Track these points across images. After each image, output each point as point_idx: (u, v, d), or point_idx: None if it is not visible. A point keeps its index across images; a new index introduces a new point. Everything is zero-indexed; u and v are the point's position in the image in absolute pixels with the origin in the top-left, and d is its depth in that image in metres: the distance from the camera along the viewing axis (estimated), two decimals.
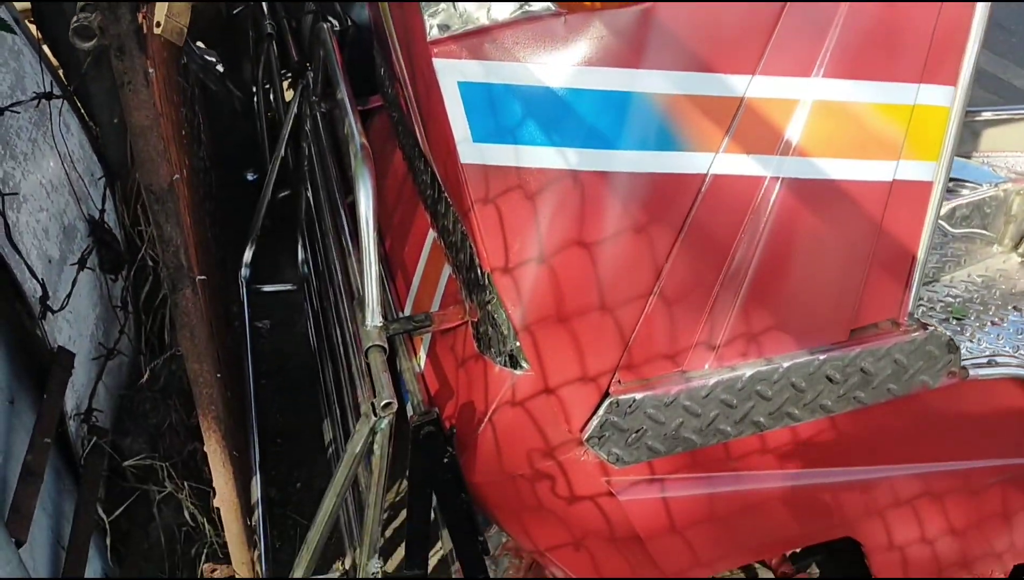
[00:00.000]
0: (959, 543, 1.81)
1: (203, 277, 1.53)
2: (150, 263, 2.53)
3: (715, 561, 1.63)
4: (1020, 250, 3.01)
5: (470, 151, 1.27)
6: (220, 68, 2.40)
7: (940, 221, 2.85)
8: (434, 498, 1.39)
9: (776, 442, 1.51)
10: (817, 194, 1.31)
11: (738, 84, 1.24)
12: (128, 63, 1.18)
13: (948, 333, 1.47)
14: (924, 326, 1.45)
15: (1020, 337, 2.67)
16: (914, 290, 1.43)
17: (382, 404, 1.24)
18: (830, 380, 1.43)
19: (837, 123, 1.29)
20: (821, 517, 1.63)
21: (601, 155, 1.24)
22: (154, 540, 2.16)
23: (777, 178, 1.29)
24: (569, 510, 1.47)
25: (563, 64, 1.23)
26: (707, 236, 1.29)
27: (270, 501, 2.51)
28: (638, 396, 1.35)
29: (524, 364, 1.33)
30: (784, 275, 1.33)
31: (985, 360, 1.59)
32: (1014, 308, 2.81)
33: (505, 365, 1.35)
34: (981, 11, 1.31)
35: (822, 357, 1.41)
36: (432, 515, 1.43)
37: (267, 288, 2.62)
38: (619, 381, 1.34)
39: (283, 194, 3.04)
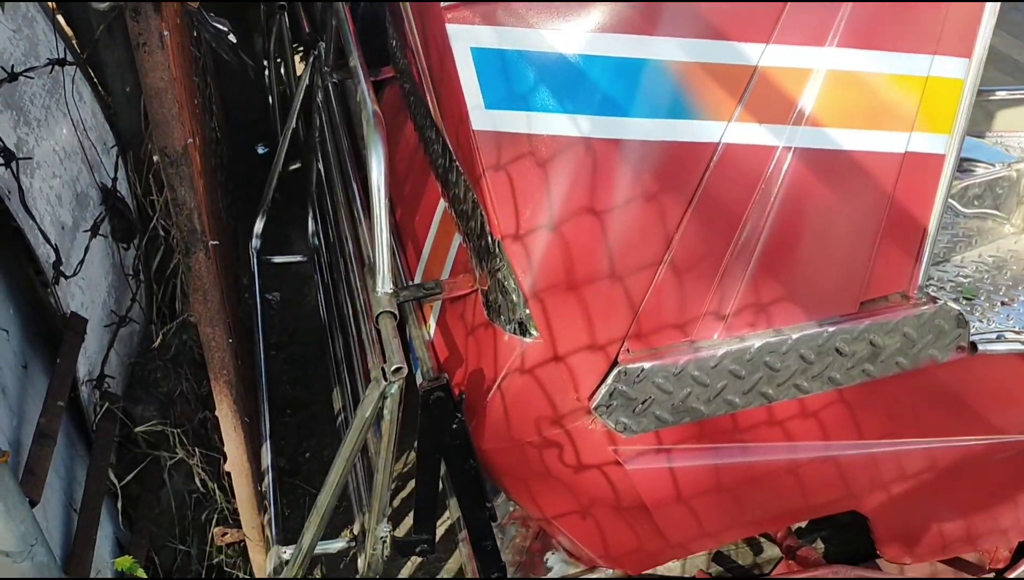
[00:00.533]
0: (965, 518, 1.81)
1: (215, 242, 1.54)
2: (162, 233, 2.54)
3: (721, 532, 1.64)
4: None
5: (482, 118, 1.27)
6: (233, 38, 2.39)
7: (952, 201, 2.85)
8: (443, 465, 1.40)
9: (784, 414, 1.52)
10: (829, 164, 1.31)
11: (752, 52, 1.24)
12: (143, 24, 1.18)
13: (958, 306, 1.46)
14: (934, 300, 1.45)
15: None
16: (924, 263, 1.43)
17: (392, 369, 1.25)
18: (839, 352, 1.43)
19: (850, 93, 1.29)
20: (827, 490, 1.64)
21: (613, 122, 1.24)
22: (165, 505, 2.18)
23: (789, 148, 1.28)
24: (576, 478, 1.47)
25: (576, 30, 1.23)
26: (718, 205, 1.29)
27: (280, 471, 2.54)
28: (647, 365, 1.36)
29: (534, 332, 1.33)
30: (795, 246, 1.33)
31: (994, 336, 1.59)
32: None
33: (515, 333, 1.36)
34: None
35: (831, 329, 1.41)
36: (440, 484, 1.44)
37: (277, 259, 2.63)
38: (628, 350, 1.35)
39: (294, 167, 3.04)
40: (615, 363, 1.35)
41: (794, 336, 1.40)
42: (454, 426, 1.34)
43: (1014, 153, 2.90)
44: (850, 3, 1.24)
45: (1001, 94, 2.95)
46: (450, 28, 1.26)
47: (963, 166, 2.90)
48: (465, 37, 1.26)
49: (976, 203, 2.86)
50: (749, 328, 1.36)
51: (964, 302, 2.81)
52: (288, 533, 1.63)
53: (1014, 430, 1.72)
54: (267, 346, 3.11)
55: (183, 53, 2.17)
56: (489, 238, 1.35)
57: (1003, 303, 2.74)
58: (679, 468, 1.50)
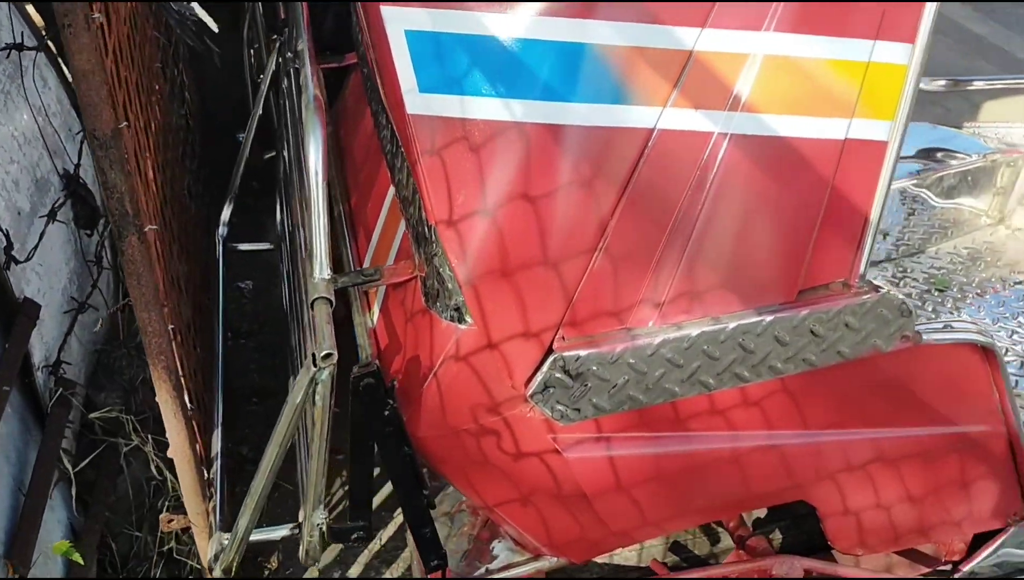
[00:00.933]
0: (916, 510, 1.81)
1: (154, 227, 1.52)
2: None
3: (664, 521, 1.63)
4: (1007, 223, 2.99)
5: (417, 101, 1.26)
6: (214, 27, 2.38)
7: (926, 191, 2.84)
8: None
9: (725, 403, 1.51)
10: (766, 151, 1.29)
11: (687, 37, 1.23)
12: (68, 5, 1.17)
13: (901, 295, 1.45)
14: (876, 289, 1.44)
15: (1001, 309, 2.66)
16: (866, 251, 1.41)
17: (322, 354, 1.24)
18: (778, 341, 1.42)
19: (788, 79, 1.27)
20: (772, 480, 1.63)
21: (547, 107, 1.23)
22: (122, 492, 2.17)
23: (725, 134, 1.27)
24: (515, 466, 1.47)
25: (511, 13, 1.21)
26: (653, 192, 1.28)
27: (242, 458, 2.53)
28: (583, 353, 1.35)
29: (468, 319, 1.32)
30: (730, 233, 1.32)
31: (941, 325, 1.58)
32: (998, 280, 2.80)
33: (451, 320, 1.35)
34: None
35: (769, 318, 1.40)
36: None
37: (243, 246, 2.61)
38: (563, 337, 1.34)
39: (269, 156, 3.03)
40: (550, 351, 1.34)
41: (732, 325, 1.39)
42: (386, 413, 1.33)
43: (991, 144, 2.89)
44: None
45: (978, 84, 2.93)
46: (384, 10, 1.25)
47: (939, 157, 2.90)
48: (399, 19, 1.25)
49: (952, 194, 2.85)
50: (684, 315, 1.35)
51: (936, 293, 2.80)
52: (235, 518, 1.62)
53: (963, 421, 1.71)
54: (237, 334, 3.11)
55: (143, 38, 2.16)
56: (425, 224, 1.34)
57: (976, 295, 2.74)
58: (619, 457, 1.49)
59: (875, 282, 1.46)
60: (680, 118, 1.25)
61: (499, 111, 1.23)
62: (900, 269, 2.89)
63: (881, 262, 2.90)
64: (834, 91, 1.29)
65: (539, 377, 1.35)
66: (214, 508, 1.66)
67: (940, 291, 2.77)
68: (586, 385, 1.37)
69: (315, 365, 1.25)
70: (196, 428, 1.69)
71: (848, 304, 1.43)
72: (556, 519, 1.55)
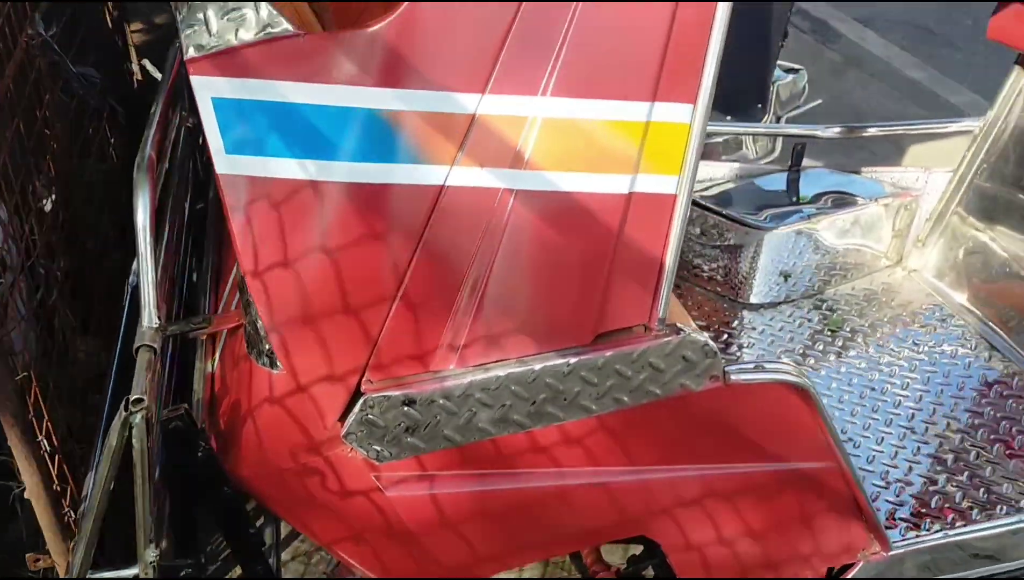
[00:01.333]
0: (759, 545, 1.87)
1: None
2: (41, 270, 2.62)
3: (501, 556, 1.70)
4: (904, 264, 3.09)
5: (224, 162, 1.36)
6: (97, 79, 2.50)
7: (822, 234, 2.93)
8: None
9: (547, 440, 1.59)
10: (551, 205, 1.39)
11: (469, 102, 1.32)
12: None
13: (702, 338, 1.53)
14: (678, 331, 1.52)
15: (889, 349, 2.74)
16: (663, 296, 1.50)
17: (133, 399, 1.32)
18: (586, 381, 1.51)
19: (568, 139, 1.37)
20: (604, 516, 1.70)
21: (339, 167, 1.32)
22: (15, 536, 2.24)
23: (511, 190, 1.37)
24: (342, 504, 1.54)
25: (304, 82, 1.31)
26: (446, 244, 1.37)
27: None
28: (392, 394, 1.43)
29: (279, 363, 1.41)
30: (522, 281, 1.41)
31: (752, 365, 1.66)
32: (890, 321, 2.88)
33: (265, 365, 1.43)
34: (718, 31, 1.38)
35: (573, 360, 1.48)
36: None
37: None
38: (370, 380, 1.42)
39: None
40: (360, 393, 1.42)
41: (537, 366, 1.47)
42: (199, 455, 1.41)
43: (887, 188, 2.99)
44: (561, 56, 1.33)
45: (872, 131, 3.04)
46: (193, 80, 1.34)
47: (839, 200, 3.00)
48: (206, 88, 1.34)
49: (845, 237, 2.95)
50: (481, 358, 1.43)
51: (829, 333, 2.89)
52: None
53: (795, 458, 1.78)
54: None
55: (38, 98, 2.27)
56: (239, 275, 1.43)
57: (866, 335, 2.82)
58: (443, 494, 1.57)
59: (678, 325, 1.54)
60: (467, 176, 1.35)
61: (296, 171, 1.33)
62: (798, 309, 2.98)
63: (780, 304, 2.99)
64: (614, 149, 1.39)
65: (351, 418, 1.43)
66: (73, 547, 1.72)
67: (832, 332, 2.86)
68: (399, 425, 1.45)
69: (126, 410, 1.33)
70: (64, 465, 1.77)
71: (650, 346, 1.51)
72: (389, 556, 1.62)
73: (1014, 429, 2.35)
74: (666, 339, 1.51)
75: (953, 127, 2.88)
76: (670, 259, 1.48)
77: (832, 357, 2.71)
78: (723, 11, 1.37)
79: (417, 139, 1.33)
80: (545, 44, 1.32)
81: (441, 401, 1.45)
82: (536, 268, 1.41)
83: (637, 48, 1.36)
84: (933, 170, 2.95)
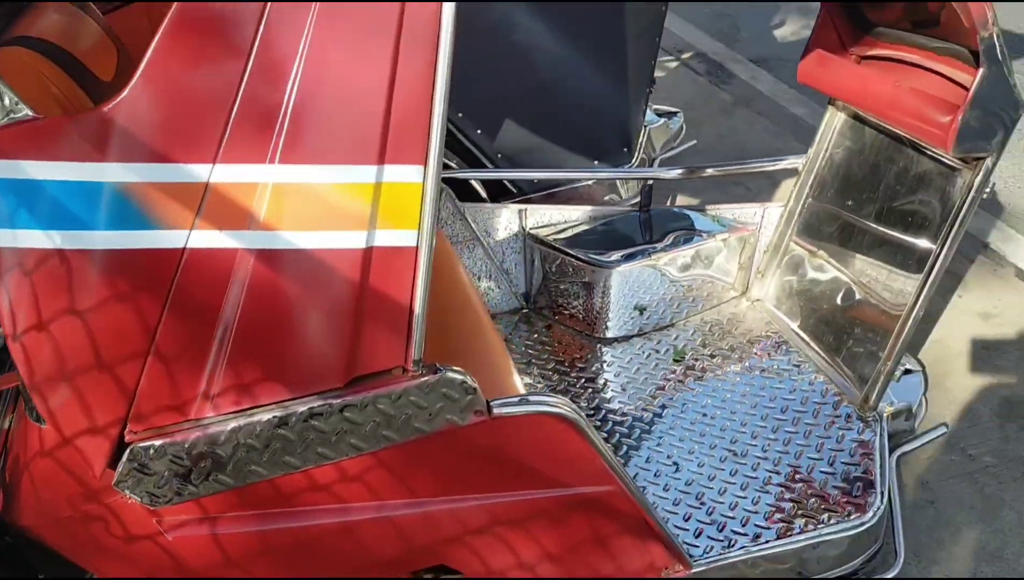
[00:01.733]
0: (560, 567, 1.98)
1: None
2: None
3: None
4: (748, 295, 3.24)
5: None
6: None
7: (669, 269, 3.09)
8: None
9: (327, 478, 1.70)
10: (290, 262, 1.51)
11: (200, 171, 1.45)
12: None
13: (460, 376, 1.65)
14: (435, 370, 1.65)
15: (725, 377, 2.89)
16: (416, 340, 1.62)
17: None
18: (350, 421, 1.62)
19: (299, 202, 1.50)
20: (392, 549, 1.81)
21: (84, 235, 1.45)
22: None
23: (251, 249, 1.49)
24: (128, 549, 1.64)
25: (45, 160, 1.44)
26: (193, 301, 1.49)
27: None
28: (158, 443, 1.54)
29: (43, 419, 1.51)
30: (268, 332, 1.53)
31: (516, 399, 1.78)
32: (731, 349, 3.03)
33: (35, 420, 1.54)
34: (440, 96, 1.52)
35: (335, 401, 1.60)
36: None
37: None
38: (133, 431, 1.53)
39: None
40: (124, 443, 1.53)
41: (300, 409, 1.59)
42: None
43: (727, 224, 3.15)
44: (286, 126, 1.46)
45: (711, 171, 3.22)
46: None
47: (683, 237, 3.16)
48: None
49: (686, 271, 3.10)
50: (234, 406, 1.55)
51: (673, 363, 3.03)
52: None
53: (578, 484, 1.90)
54: None
55: None
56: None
57: (705, 366, 2.96)
58: (226, 535, 1.67)
59: (437, 365, 1.66)
60: (206, 238, 1.47)
61: (44, 241, 1.44)
62: (649, 341, 3.12)
63: (633, 337, 3.13)
64: (347, 209, 1.52)
65: (120, 467, 1.54)
66: None
67: (677, 361, 3.00)
68: (168, 472, 1.56)
69: None
70: None
71: (409, 386, 1.63)
72: None
73: (826, 447, 2.49)
74: (423, 379, 1.63)
75: (781, 164, 3.05)
76: (419, 305, 1.61)
77: (671, 385, 2.85)
78: (443, 77, 1.52)
79: (155, 207, 1.45)
80: (269, 115, 1.46)
81: (207, 447, 1.56)
82: (281, 320, 1.53)
83: (360, 115, 1.50)
84: (769, 205, 3.12)
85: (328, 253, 1.53)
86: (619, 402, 2.79)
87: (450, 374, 1.66)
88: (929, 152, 2.46)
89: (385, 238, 1.56)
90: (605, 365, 2.98)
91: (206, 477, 1.59)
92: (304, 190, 1.50)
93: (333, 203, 1.52)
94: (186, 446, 1.55)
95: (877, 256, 2.65)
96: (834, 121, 2.89)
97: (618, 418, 2.72)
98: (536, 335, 3.19)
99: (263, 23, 1.45)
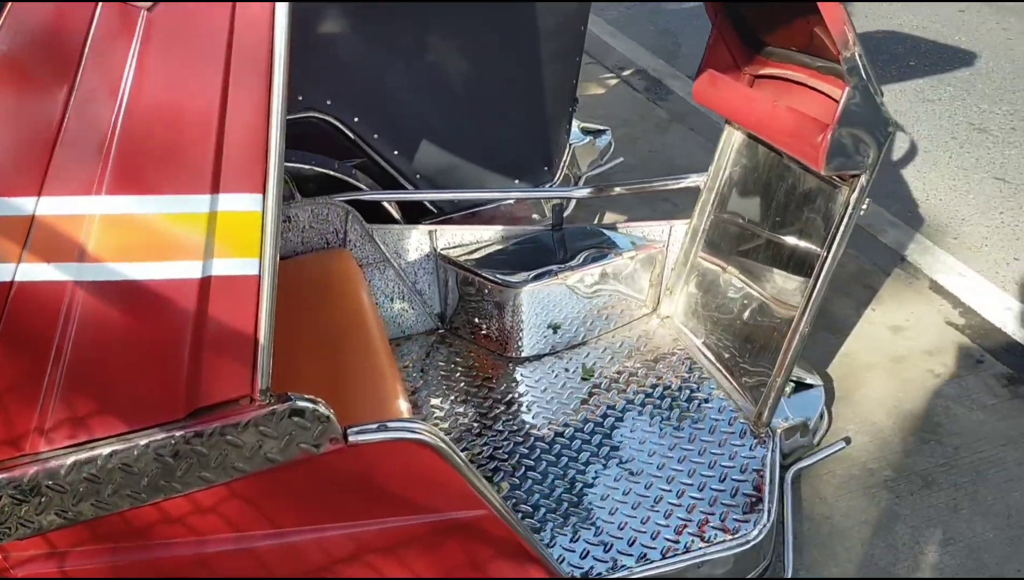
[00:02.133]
0: None
1: None
2: None
3: None
4: (658, 312, 3.26)
5: None
6: None
7: (579, 287, 3.09)
8: None
9: (179, 511, 1.68)
10: (122, 293, 1.50)
11: (25, 204, 1.44)
12: None
13: (311, 404, 1.64)
14: (285, 399, 1.63)
15: (629, 395, 2.89)
16: (261, 369, 1.61)
17: None
18: (197, 454, 1.60)
19: (128, 232, 1.49)
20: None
21: None
22: None
23: (80, 281, 1.48)
24: None
25: None
26: (23, 334, 1.47)
27: None
28: None
29: None
30: (99, 365, 1.51)
31: (375, 426, 1.77)
32: (638, 366, 3.04)
33: None
34: (276, 125, 1.52)
35: (179, 433, 1.58)
36: None
37: None
38: None
39: None
40: None
41: (143, 442, 1.57)
42: None
43: (639, 241, 3.17)
44: (111, 156, 1.45)
45: (619, 189, 3.24)
46: None
47: (593, 255, 3.17)
48: None
49: (593, 289, 3.11)
50: (69, 439, 1.53)
51: (581, 381, 3.03)
52: None
53: (447, 508, 1.89)
54: None
55: None
56: None
57: (613, 381, 2.96)
58: (75, 569, 1.65)
59: (289, 394, 1.65)
60: (34, 271, 1.46)
61: None
62: (560, 360, 3.12)
63: (545, 356, 3.13)
64: (180, 239, 1.51)
65: None
66: None
67: (585, 380, 3.00)
68: (6, 507, 1.54)
69: None
70: None
71: (256, 415, 1.62)
72: None
73: (719, 464, 2.50)
74: (271, 408, 1.62)
75: (684, 183, 3.07)
76: (264, 334, 1.60)
77: (576, 404, 2.85)
78: (279, 96, 1.51)
79: None
80: (94, 146, 1.45)
81: (47, 482, 1.54)
82: (115, 352, 1.52)
83: (189, 144, 1.49)
84: (675, 222, 3.14)
85: (161, 284, 1.52)
86: (524, 421, 2.79)
87: (300, 403, 1.65)
88: (812, 170, 2.48)
89: (223, 267, 1.55)
90: (515, 385, 2.98)
91: (48, 511, 1.57)
92: (133, 221, 1.49)
93: (164, 233, 1.51)
94: (25, 480, 1.53)
95: (770, 273, 2.67)
96: (731, 139, 2.91)
97: (520, 437, 2.71)
98: (451, 356, 3.18)
99: (87, 46, 1.44)
